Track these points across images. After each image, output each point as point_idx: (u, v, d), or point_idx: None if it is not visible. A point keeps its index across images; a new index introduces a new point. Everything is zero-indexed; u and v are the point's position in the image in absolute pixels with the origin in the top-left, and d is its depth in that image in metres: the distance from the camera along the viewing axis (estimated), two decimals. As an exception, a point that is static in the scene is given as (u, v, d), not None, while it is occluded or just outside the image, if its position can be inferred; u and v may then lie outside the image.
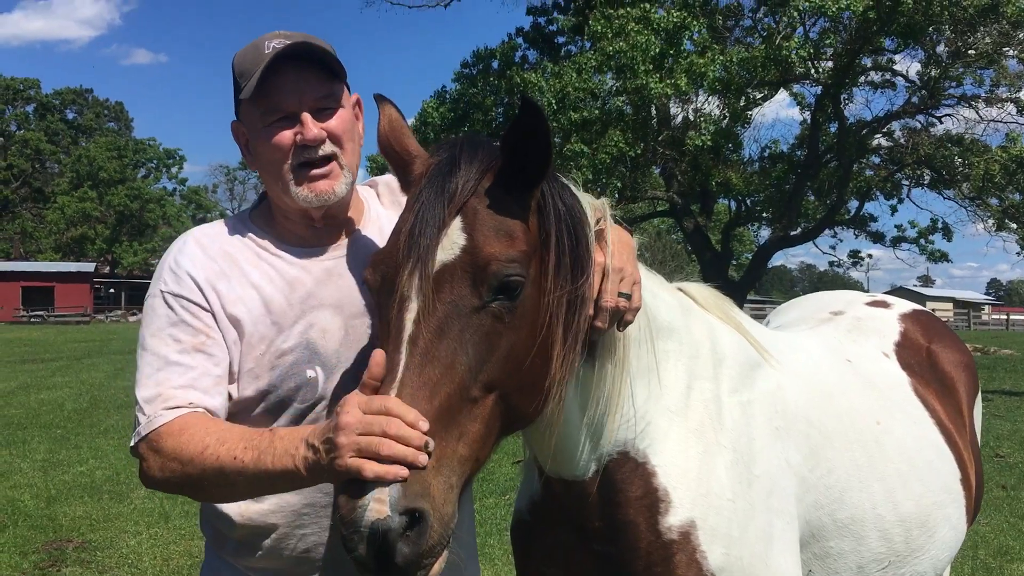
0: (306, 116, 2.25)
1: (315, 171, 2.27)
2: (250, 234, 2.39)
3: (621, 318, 2.14)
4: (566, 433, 2.26)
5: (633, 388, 2.32)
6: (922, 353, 3.50)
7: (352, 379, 2.26)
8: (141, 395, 2.18)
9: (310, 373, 2.27)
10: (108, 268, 79.26)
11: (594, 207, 2.21)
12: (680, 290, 2.74)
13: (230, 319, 2.25)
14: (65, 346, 33.91)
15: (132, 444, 2.17)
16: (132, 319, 64.47)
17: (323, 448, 1.79)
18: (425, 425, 1.70)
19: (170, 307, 2.24)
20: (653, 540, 2.31)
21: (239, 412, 2.28)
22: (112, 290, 76.33)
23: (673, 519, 2.32)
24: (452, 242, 1.90)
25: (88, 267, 70.00)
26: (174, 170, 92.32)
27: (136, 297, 73.89)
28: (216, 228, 2.43)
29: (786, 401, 2.70)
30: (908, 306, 3.82)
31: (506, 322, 1.90)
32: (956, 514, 3.19)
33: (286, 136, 2.26)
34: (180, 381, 2.17)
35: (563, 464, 2.33)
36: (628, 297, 2.12)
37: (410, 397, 1.77)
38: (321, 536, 2.31)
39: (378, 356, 1.81)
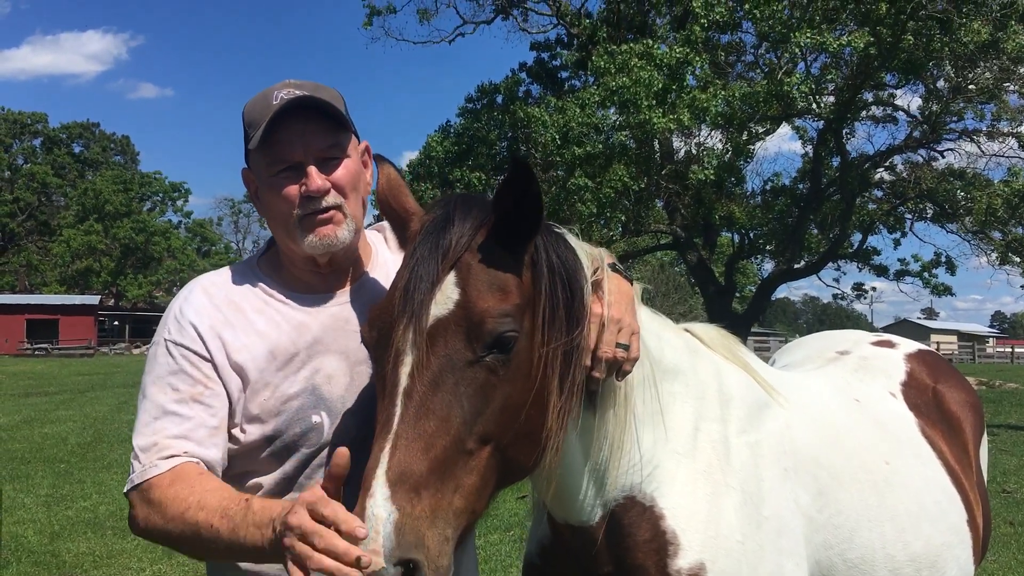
0: (311, 169, 2.28)
1: (319, 217, 2.30)
2: (258, 282, 2.42)
3: (619, 368, 2.16)
4: (569, 479, 2.27)
5: (638, 433, 2.33)
6: (928, 393, 3.50)
7: (356, 425, 2.29)
8: (138, 443, 2.21)
9: (315, 419, 2.29)
10: (113, 301, 79.35)
11: (592, 256, 2.23)
12: (687, 331, 2.76)
13: (234, 367, 2.28)
14: (69, 379, 33.88)
15: (126, 490, 2.21)
16: (136, 351, 64.49)
17: (276, 536, 1.84)
18: (363, 532, 1.69)
19: (171, 355, 2.27)
20: None
21: (245, 456, 2.30)
22: (116, 323, 76.45)
23: (683, 561, 2.32)
24: (446, 297, 1.93)
25: (93, 300, 70.04)
26: (179, 203, 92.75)
27: (140, 330, 73.95)
28: (223, 276, 2.46)
29: (795, 441, 2.71)
30: (914, 346, 3.83)
31: (501, 375, 1.92)
32: (964, 555, 3.18)
33: (292, 188, 2.29)
34: (175, 431, 2.20)
35: (568, 510, 2.34)
36: (626, 348, 2.14)
37: (404, 450, 1.79)
38: None
39: (341, 454, 1.81)
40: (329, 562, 1.68)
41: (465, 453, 1.86)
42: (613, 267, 2.28)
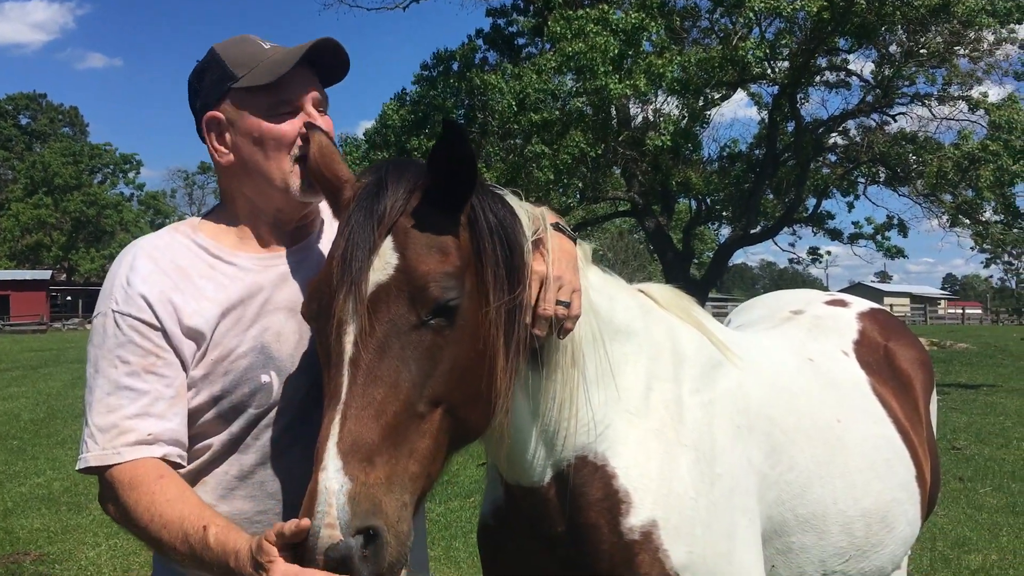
0: (312, 109, 2.32)
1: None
2: (202, 244, 2.36)
3: (561, 326, 2.14)
4: (519, 441, 2.27)
5: (589, 393, 2.33)
6: (880, 351, 3.55)
7: (306, 384, 2.25)
8: (94, 420, 2.16)
9: (264, 378, 2.24)
10: (65, 275, 77.98)
11: (532, 215, 2.22)
12: (641, 291, 2.75)
13: (187, 332, 2.22)
14: (21, 355, 33.31)
15: (79, 468, 2.16)
16: (89, 327, 63.51)
17: None
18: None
19: (119, 327, 2.20)
20: (616, 541, 2.32)
21: (193, 418, 2.25)
22: (69, 298, 75.10)
23: (635, 520, 2.33)
24: (385, 262, 1.91)
25: (44, 275, 68.71)
26: (131, 175, 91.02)
27: (93, 305, 72.31)
28: (165, 239, 2.38)
29: (748, 399, 2.73)
30: (866, 305, 3.87)
31: (447, 336, 1.91)
32: (912, 511, 3.24)
33: (294, 124, 2.29)
34: (133, 409, 2.15)
35: (519, 471, 2.34)
36: (567, 305, 2.13)
37: (355, 419, 1.78)
38: None
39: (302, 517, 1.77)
40: None
41: (417, 417, 1.85)
42: (556, 226, 2.26)
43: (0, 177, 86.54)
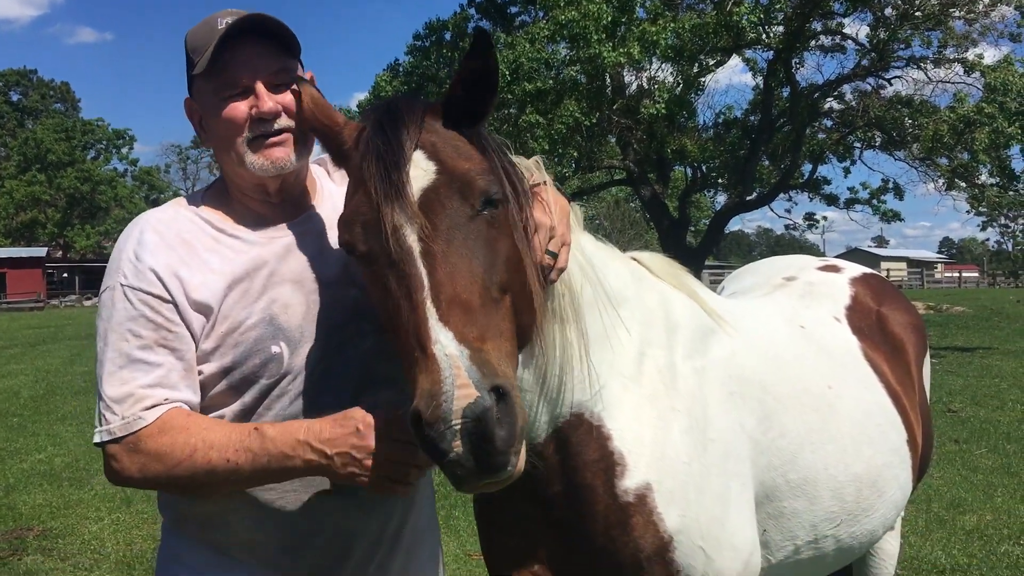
0: (261, 89, 2.26)
1: (271, 140, 2.28)
2: (205, 218, 2.38)
3: (546, 276, 2.18)
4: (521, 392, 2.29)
5: (589, 350, 2.36)
6: (872, 316, 3.56)
7: (317, 356, 2.28)
8: (108, 392, 2.18)
9: (275, 349, 2.27)
10: (60, 252, 77.87)
11: (525, 166, 2.30)
12: (634, 259, 2.77)
13: (195, 305, 2.24)
14: (19, 333, 33.36)
15: (99, 441, 2.19)
16: (88, 303, 63.56)
17: (339, 460, 2.00)
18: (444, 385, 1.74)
19: (129, 301, 2.22)
20: (610, 503, 2.36)
21: (204, 390, 2.28)
22: (66, 275, 75.05)
23: (629, 482, 2.36)
24: (423, 171, 1.96)
25: (40, 252, 68.67)
26: (124, 151, 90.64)
27: (91, 282, 72.70)
28: (169, 213, 2.40)
29: (740, 367, 2.75)
30: (859, 270, 3.89)
31: (498, 228, 1.99)
32: (903, 475, 3.28)
33: (240, 109, 2.26)
34: (147, 380, 2.17)
35: None
36: (555, 256, 2.18)
37: (447, 301, 1.81)
38: (285, 508, 2.31)
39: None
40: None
41: (495, 301, 1.91)
42: (550, 181, 2.33)
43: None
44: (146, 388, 2.17)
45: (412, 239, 1.88)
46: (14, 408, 14.99)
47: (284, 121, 2.29)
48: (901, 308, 3.70)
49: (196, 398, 2.25)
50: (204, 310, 2.25)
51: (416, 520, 2.54)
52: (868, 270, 3.94)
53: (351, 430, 2.00)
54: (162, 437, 2.13)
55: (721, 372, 2.67)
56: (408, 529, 2.50)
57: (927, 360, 3.82)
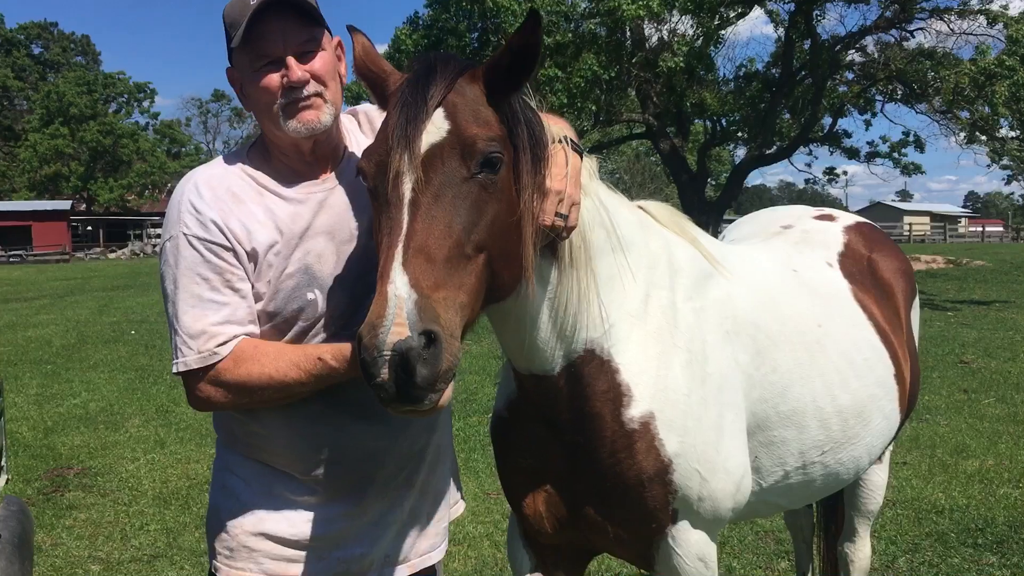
0: (291, 60, 2.49)
1: (302, 103, 2.52)
2: (249, 173, 2.64)
3: (558, 236, 2.41)
4: (537, 328, 2.54)
5: (600, 292, 2.59)
6: (863, 262, 3.78)
7: (345, 300, 2.57)
8: (184, 329, 2.48)
9: (310, 295, 2.56)
10: (84, 206, 78.37)
11: (546, 127, 2.47)
12: (640, 208, 3.00)
13: (248, 253, 2.52)
14: (47, 284, 33.92)
15: (177, 371, 2.51)
16: (112, 256, 64.16)
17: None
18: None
19: (195, 248, 2.50)
20: (617, 430, 2.61)
21: None
22: (90, 228, 75.70)
23: (634, 411, 2.62)
24: (437, 127, 2.17)
25: (64, 205, 69.09)
26: (145, 104, 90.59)
27: (114, 234, 73.34)
28: (218, 169, 2.67)
29: (736, 307, 2.98)
30: (852, 219, 4.09)
31: (490, 192, 2.18)
32: (889, 406, 3.51)
33: (273, 79, 2.51)
34: (218, 318, 2.48)
35: (534, 359, 2.60)
36: (564, 217, 2.39)
37: (416, 248, 2.03)
38: (323, 433, 2.63)
39: None
40: None
41: (465, 257, 2.11)
42: (566, 139, 2.49)
43: (15, 108, 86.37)
44: (217, 325, 2.47)
45: (406, 188, 2.11)
46: (47, 356, 15.44)
47: (313, 87, 2.53)
48: (891, 255, 3.91)
49: (258, 330, 2.56)
50: (252, 257, 2.53)
51: (439, 439, 2.84)
52: (862, 219, 4.14)
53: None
54: (238, 369, 2.45)
55: (718, 312, 2.90)
56: (432, 447, 2.80)
57: (916, 304, 4.03)
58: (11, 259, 59.98)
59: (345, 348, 2.38)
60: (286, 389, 2.45)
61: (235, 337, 2.48)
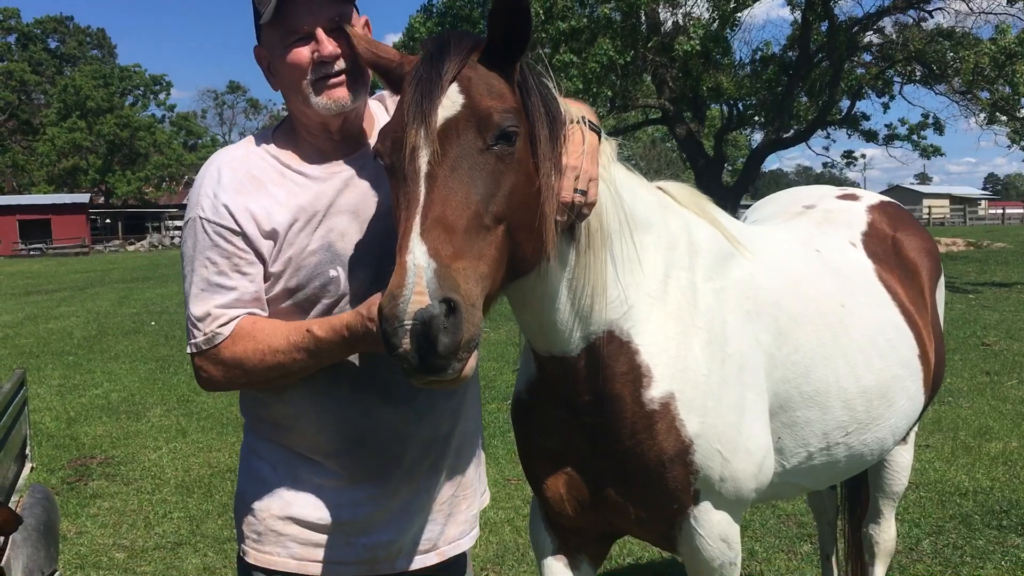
0: (321, 34, 2.49)
1: (331, 80, 2.51)
2: (274, 155, 2.64)
3: (578, 212, 2.39)
4: (556, 310, 2.53)
5: (618, 273, 2.58)
6: (887, 241, 3.74)
7: (367, 278, 2.55)
8: (193, 312, 2.51)
9: (332, 272, 2.55)
10: (103, 199, 78.80)
11: (562, 106, 2.45)
12: (660, 188, 2.97)
13: (264, 233, 2.52)
14: (67, 277, 34.13)
15: (189, 352, 2.54)
16: (131, 248, 64.54)
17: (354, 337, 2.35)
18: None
19: (206, 232, 2.51)
20: (637, 411, 2.60)
21: (270, 305, 2.58)
22: (108, 220, 76.07)
23: (655, 392, 2.61)
24: (452, 102, 2.16)
25: (83, 198, 69.42)
26: (161, 96, 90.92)
27: (133, 227, 73.69)
28: (241, 151, 2.66)
29: (757, 287, 2.95)
30: (876, 198, 4.05)
31: (507, 163, 2.17)
32: (914, 387, 3.48)
33: (304, 54, 2.50)
34: (223, 301, 2.50)
35: (554, 341, 2.59)
36: (584, 193, 2.37)
37: (435, 219, 2.02)
38: (349, 415, 2.62)
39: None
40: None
41: (484, 228, 2.10)
42: (584, 120, 2.47)
43: (33, 102, 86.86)
44: (222, 308, 2.49)
45: (423, 161, 2.10)
46: (68, 347, 15.56)
47: (343, 63, 2.52)
48: (916, 234, 3.87)
49: (264, 313, 2.56)
50: (272, 236, 2.53)
51: (465, 425, 2.82)
52: (885, 198, 4.10)
53: (360, 315, 2.33)
54: (235, 346, 2.46)
55: (739, 292, 2.88)
56: (457, 432, 2.78)
57: (940, 283, 3.99)
58: (32, 252, 60.45)
59: (334, 319, 2.39)
60: (282, 366, 2.46)
61: (237, 317, 2.50)
